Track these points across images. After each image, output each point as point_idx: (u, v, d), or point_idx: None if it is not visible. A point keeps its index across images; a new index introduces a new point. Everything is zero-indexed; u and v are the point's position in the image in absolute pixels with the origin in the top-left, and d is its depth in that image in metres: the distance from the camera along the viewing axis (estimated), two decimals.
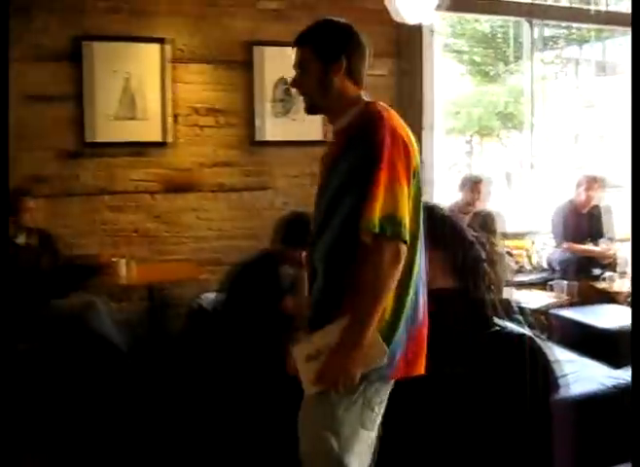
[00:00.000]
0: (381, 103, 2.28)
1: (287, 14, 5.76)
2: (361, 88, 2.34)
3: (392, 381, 2.28)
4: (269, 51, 5.70)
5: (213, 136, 5.67)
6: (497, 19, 8.53)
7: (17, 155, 5.22)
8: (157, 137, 5.56)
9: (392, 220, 2.07)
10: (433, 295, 3.44)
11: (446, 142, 7.83)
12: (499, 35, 9.96)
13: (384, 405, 2.28)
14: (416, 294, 2.26)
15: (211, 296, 4.11)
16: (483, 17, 8.29)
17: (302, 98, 2.35)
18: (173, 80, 5.58)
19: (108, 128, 5.45)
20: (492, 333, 3.23)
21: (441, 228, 3.51)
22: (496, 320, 3.29)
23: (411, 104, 6.11)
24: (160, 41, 5.54)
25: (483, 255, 3.56)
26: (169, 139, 5.58)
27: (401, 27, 5.53)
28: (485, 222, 5.51)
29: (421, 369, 2.31)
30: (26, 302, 4.65)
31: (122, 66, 5.44)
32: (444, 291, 3.45)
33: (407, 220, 2.11)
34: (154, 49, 5.54)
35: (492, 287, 3.51)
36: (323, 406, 2.19)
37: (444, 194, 6.31)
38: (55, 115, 5.33)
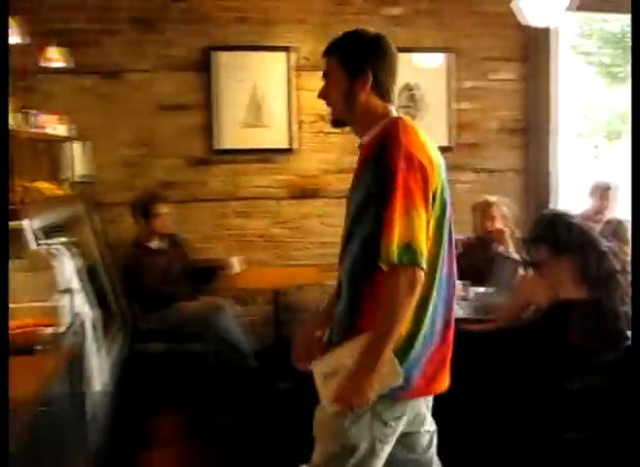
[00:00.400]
0: (405, 120, 2.20)
1: (410, 20, 5.75)
2: (388, 102, 2.25)
3: (412, 399, 2.24)
4: None
5: (338, 143, 5.72)
6: (627, 19, 8.21)
7: (149, 162, 5.46)
8: (283, 144, 5.68)
9: (408, 249, 2.02)
10: (562, 304, 3.37)
11: (575, 146, 7.58)
12: (629, 35, 9.60)
13: (404, 420, 2.24)
14: (435, 314, 2.20)
15: None
16: (612, 17, 8.01)
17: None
18: (298, 87, 5.68)
19: (235, 136, 5.61)
20: (627, 347, 3.12)
21: (571, 235, 3.43)
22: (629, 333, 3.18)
23: (538, 108, 5.99)
24: (286, 49, 5.65)
25: (617, 266, 3.45)
26: (295, 146, 5.68)
27: (528, 30, 5.43)
28: (617, 231, 5.29)
29: (443, 386, 2.26)
30: (158, 303, 4.83)
31: (249, 75, 5.58)
32: (575, 301, 3.36)
33: (423, 245, 2.05)
34: (279, 57, 5.66)
35: (626, 299, 3.39)
36: (332, 416, 2.19)
37: (573, 200, 6.11)
38: (185, 123, 5.53)
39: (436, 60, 5.86)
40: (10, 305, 2.80)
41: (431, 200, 2.10)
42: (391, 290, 2.03)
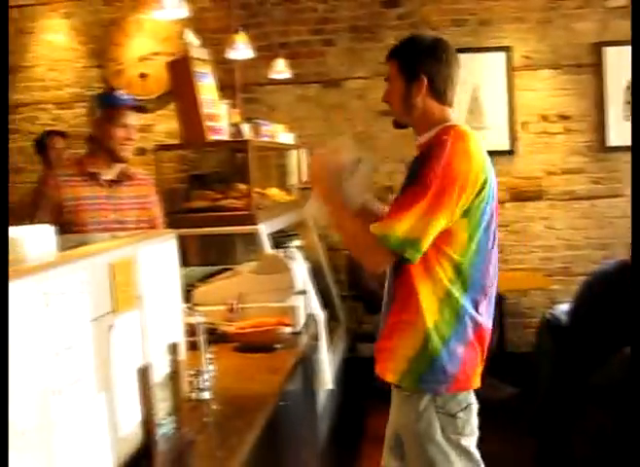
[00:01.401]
0: (458, 128, 2.21)
1: None
2: (446, 105, 2.27)
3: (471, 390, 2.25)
4: (620, 51, 5.40)
5: (561, 143, 5.53)
6: None
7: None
8: (504, 146, 5.57)
9: (415, 245, 2.08)
10: None
11: None
12: None
13: (475, 409, 2.26)
14: (472, 312, 2.21)
15: (564, 307, 3.99)
16: None
17: None
18: (518, 87, 5.56)
19: None
20: None
21: None
22: None
23: None
24: (506, 49, 5.55)
25: None
26: (516, 147, 5.55)
27: None
28: None
29: (477, 383, 2.28)
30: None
31: (469, 77, 5.52)
32: None
33: (426, 247, 2.10)
34: (499, 57, 5.57)
35: None
36: (402, 413, 2.28)
37: None
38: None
39: None
40: (249, 305, 2.97)
41: (480, 207, 2.15)
42: (360, 252, 2.19)
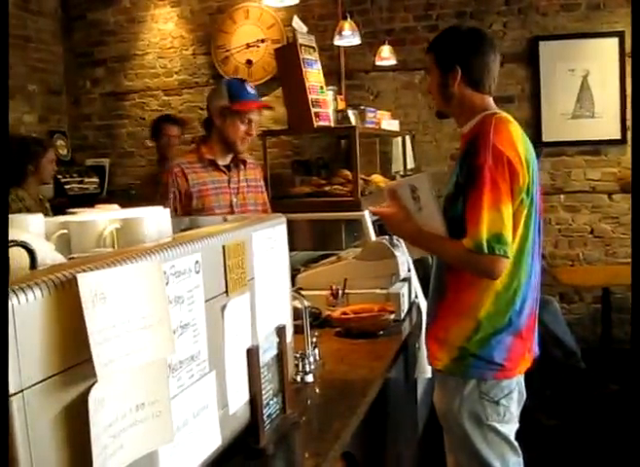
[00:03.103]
0: (500, 115, 2.25)
1: None
2: (485, 93, 2.31)
3: (516, 378, 2.31)
4: None
5: None
6: None
7: None
8: (614, 135, 5.39)
9: (499, 239, 2.10)
10: None
11: None
12: None
13: (516, 397, 2.31)
14: (523, 303, 2.27)
15: None
16: None
17: None
18: (631, 74, 5.35)
19: (563, 127, 5.43)
20: None
21: None
22: None
23: None
24: (618, 34, 5.34)
25: None
26: (628, 137, 5.35)
27: None
28: None
29: (528, 365, 2.35)
30: None
31: (579, 64, 5.36)
32: None
33: (511, 237, 2.14)
34: (611, 43, 5.37)
35: None
36: (445, 396, 2.33)
37: None
38: (512, 115, 5.40)
39: None
40: (353, 291, 2.98)
41: (523, 195, 2.17)
42: (471, 268, 2.17)
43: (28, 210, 3.98)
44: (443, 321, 2.32)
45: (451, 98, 2.31)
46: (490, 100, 2.33)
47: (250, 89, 3.13)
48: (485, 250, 2.09)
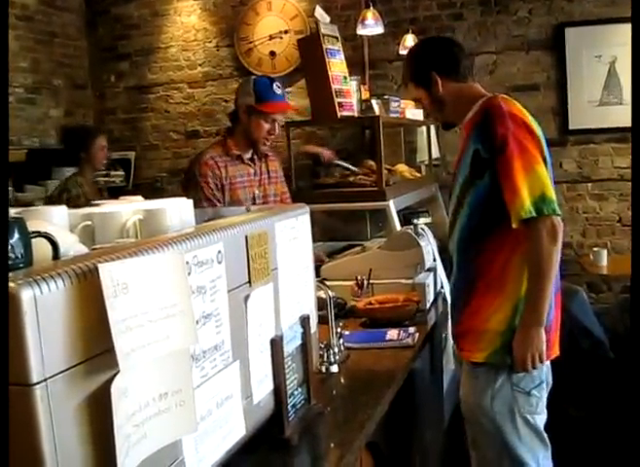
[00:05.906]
0: (501, 95, 2.29)
1: None
2: (470, 80, 2.39)
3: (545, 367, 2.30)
4: None
5: None
6: None
7: None
8: None
9: (544, 199, 2.09)
10: None
11: None
12: None
13: (546, 387, 2.31)
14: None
15: None
16: None
17: None
18: None
19: (590, 115, 5.35)
20: None
21: None
22: None
23: None
24: None
25: None
26: None
27: None
28: None
29: (555, 352, 2.32)
30: None
31: (606, 50, 5.28)
32: None
33: (554, 195, 2.13)
34: None
35: None
36: (475, 390, 2.29)
37: None
38: (537, 103, 5.39)
39: None
40: (378, 281, 2.97)
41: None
42: (535, 243, 2.10)
43: (86, 196, 4.23)
44: (476, 311, 2.27)
45: (444, 102, 2.37)
46: (479, 86, 2.40)
47: (277, 89, 3.14)
48: (535, 213, 2.07)
